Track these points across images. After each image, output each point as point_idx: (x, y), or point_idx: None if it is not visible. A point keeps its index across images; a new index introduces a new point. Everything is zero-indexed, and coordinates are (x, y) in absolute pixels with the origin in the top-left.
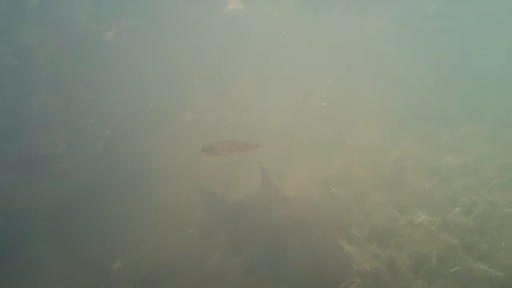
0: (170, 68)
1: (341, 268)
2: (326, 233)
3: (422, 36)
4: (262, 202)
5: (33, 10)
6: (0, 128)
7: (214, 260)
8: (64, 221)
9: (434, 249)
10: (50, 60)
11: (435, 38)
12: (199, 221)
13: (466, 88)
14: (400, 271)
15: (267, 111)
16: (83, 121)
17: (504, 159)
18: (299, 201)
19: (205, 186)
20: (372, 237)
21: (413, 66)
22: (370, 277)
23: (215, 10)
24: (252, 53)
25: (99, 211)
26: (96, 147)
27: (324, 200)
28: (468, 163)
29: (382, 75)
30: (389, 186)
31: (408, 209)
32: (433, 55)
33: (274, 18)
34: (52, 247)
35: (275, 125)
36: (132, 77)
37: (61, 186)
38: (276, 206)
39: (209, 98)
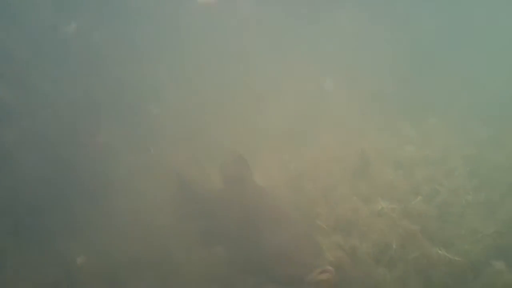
0: (135, 61)
1: (313, 257)
2: (295, 225)
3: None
4: (233, 193)
5: None
6: None
7: (183, 254)
8: (24, 216)
9: (394, 237)
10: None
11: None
12: (167, 214)
13: (432, 80)
14: (361, 259)
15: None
16: (41, 115)
17: (468, 150)
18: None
19: (174, 179)
20: (337, 227)
21: (378, 57)
22: (333, 266)
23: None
24: (222, 47)
25: (62, 206)
26: (55, 142)
27: (292, 193)
28: (433, 153)
29: (346, 68)
30: (355, 178)
31: (372, 199)
32: (399, 46)
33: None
34: (12, 242)
35: (243, 119)
36: (95, 71)
37: (19, 179)
38: (247, 197)
39: (176, 92)
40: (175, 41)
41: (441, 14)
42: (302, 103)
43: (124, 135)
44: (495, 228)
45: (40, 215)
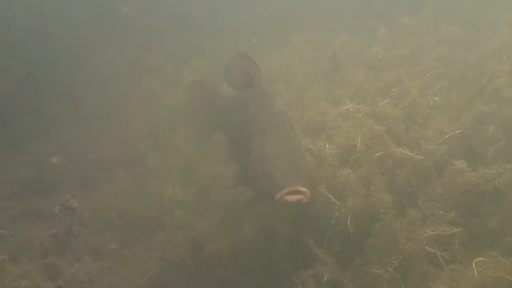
0: None
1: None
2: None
3: None
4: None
5: None
6: None
7: (156, 157)
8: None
9: (360, 138)
10: None
11: None
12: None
13: None
14: (326, 160)
15: None
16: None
17: (441, 52)
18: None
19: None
20: (307, 130)
21: None
22: None
23: None
24: None
25: (37, 104)
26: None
27: None
28: (405, 55)
29: None
30: (326, 80)
31: (341, 101)
32: None
33: None
34: None
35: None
36: None
37: None
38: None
39: None
40: None
41: None
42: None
43: None
44: (461, 129)
45: (17, 114)
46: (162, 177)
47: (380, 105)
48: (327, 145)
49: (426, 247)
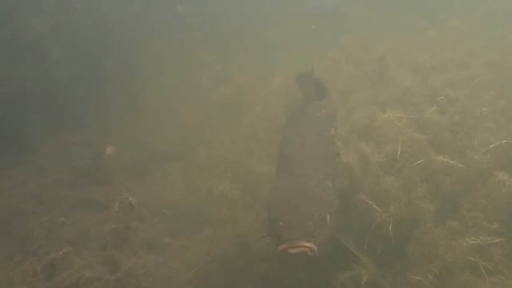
0: None
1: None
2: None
3: None
4: None
5: None
6: None
7: (207, 151)
8: (58, 106)
9: (399, 145)
10: None
11: None
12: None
13: None
14: (372, 168)
15: None
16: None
17: (491, 56)
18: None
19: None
20: (352, 132)
21: None
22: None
23: None
24: None
25: (94, 97)
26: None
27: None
28: (454, 59)
29: None
30: (372, 82)
31: (386, 106)
32: None
33: None
34: (46, 131)
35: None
36: None
37: (55, 71)
38: None
39: None
40: None
41: None
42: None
43: None
44: (508, 138)
45: (74, 107)
46: (210, 172)
47: (428, 112)
48: (374, 153)
49: (468, 256)
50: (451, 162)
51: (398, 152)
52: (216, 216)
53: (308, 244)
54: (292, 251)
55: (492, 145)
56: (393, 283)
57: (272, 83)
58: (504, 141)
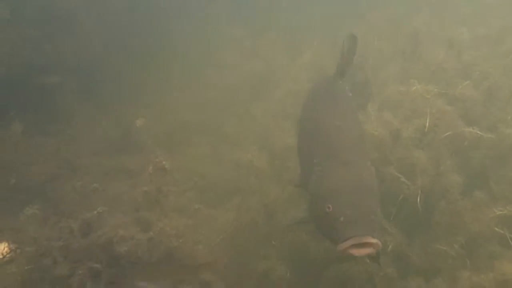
0: None
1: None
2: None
3: None
4: None
5: None
6: None
7: (236, 124)
8: (89, 77)
9: (428, 118)
10: None
11: None
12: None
13: None
14: (401, 141)
15: None
16: None
17: None
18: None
19: None
20: (383, 107)
21: None
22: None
23: None
24: None
25: (125, 69)
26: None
27: None
28: (490, 34)
29: None
30: (404, 57)
31: (419, 81)
32: None
33: None
34: (78, 102)
35: None
36: None
37: (87, 42)
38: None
39: None
40: None
41: None
42: None
43: None
44: None
45: (106, 79)
46: (239, 144)
47: (460, 87)
48: (404, 127)
49: (495, 228)
50: (479, 133)
51: (427, 125)
52: (244, 185)
53: (374, 241)
54: (356, 252)
55: None
56: (418, 252)
57: (301, 58)
58: None
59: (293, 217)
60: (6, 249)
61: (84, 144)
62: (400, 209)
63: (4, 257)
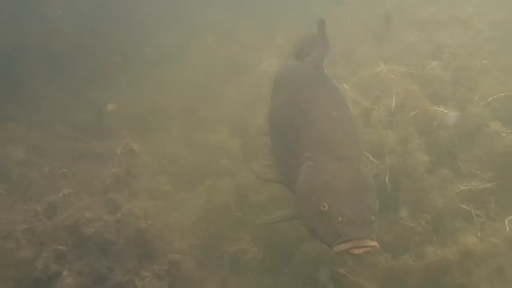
0: None
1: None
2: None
3: None
4: None
5: None
6: None
7: (209, 108)
8: (59, 61)
9: (400, 99)
10: None
11: None
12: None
13: None
14: (372, 122)
15: None
16: None
17: (499, 14)
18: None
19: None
20: (355, 88)
21: None
22: None
23: None
24: None
25: (96, 54)
26: None
27: None
28: (460, 16)
29: None
30: (377, 39)
31: (392, 62)
32: None
33: None
34: (49, 86)
35: None
36: None
37: (56, 27)
38: None
39: None
40: None
41: None
42: None
43: None
44: (507, 92)
45: (76, 64)
46: (212, 127)
47: (429, 67)
48: (373, 108)
49: (461, 205)
50: (445, 111)
51: (393, 105)
52: (215, 168)
53: (373, 244)
54: (354, 251)
55: (491, 98)
56: (387, 229)
57: (273, 41)
58: (502, 94)
59: (276, 215)
60: None
61: (54, 129)
62: None
63: None
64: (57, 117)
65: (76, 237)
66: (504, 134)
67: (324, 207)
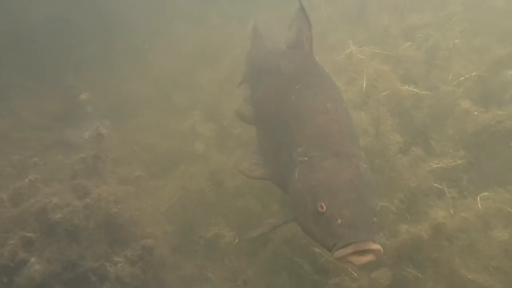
0: None
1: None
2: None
3: None
4: None
5: None
6: None
7: (184, 94)
8: (29, 49)
9: (371, 80)
10: None
11: None
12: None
13: None
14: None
15: None
16: None
17: None
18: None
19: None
20: (330, 71)
21: None
22: None
23: None
24: None
25: (66, 42)
26: None
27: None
28: None
29: None
30: (351, 22)
31: (364, 44)
32: None
33: None
34: (17, 75)
35: None
36: None
37: (26, 12)
38: None
39: None
40: None
41: None
42: None
43: None
44: (477, 71)
45: (47, 51)
46: (185, 113)
47: (402, 48)
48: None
49: (433, 183)
50: (416, 91)
51: (364, 86)
52: (189, 154)
53: (376, 247)
54: (355, 260)
55: (463, 78)
56: None
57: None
58: (474, 74)
59: (268, 224)
60: None
61: (25, 118)
62: None
63: None
64: (29, 106)
65: (44, 223)
66: (476, 113)
67: (322, 207)
